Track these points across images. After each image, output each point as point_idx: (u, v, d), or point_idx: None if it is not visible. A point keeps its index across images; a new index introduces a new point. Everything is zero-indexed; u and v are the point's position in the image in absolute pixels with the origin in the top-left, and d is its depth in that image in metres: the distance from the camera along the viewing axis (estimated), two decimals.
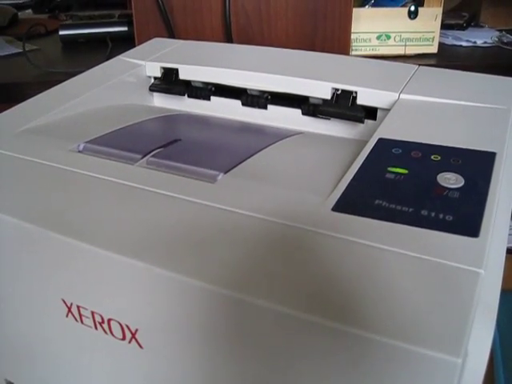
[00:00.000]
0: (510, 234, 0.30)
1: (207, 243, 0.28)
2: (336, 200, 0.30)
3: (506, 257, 0.27)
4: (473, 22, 1.07)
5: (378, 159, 0.34)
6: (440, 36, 0.86)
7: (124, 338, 0.30)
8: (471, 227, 0.27)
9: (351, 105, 0.45)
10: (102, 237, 0.29)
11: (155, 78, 0.55)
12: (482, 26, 1.08)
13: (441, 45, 0.88)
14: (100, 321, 0.30)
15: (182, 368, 0.29)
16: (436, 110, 0.41)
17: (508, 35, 0.97)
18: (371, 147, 0.35)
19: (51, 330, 0.33)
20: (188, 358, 0.28)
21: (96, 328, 0.31)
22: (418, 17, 0.84)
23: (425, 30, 0.85)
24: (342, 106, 0.45)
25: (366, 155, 0.34)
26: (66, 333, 0.32)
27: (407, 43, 0.85)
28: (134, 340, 0.29)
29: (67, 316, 0.31)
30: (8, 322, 0.36)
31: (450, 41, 0.95)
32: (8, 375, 0.40)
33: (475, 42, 0.94)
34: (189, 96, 0.54)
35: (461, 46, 0.93)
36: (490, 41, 0.94)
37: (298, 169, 0.36)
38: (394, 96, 0.43)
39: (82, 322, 0.31)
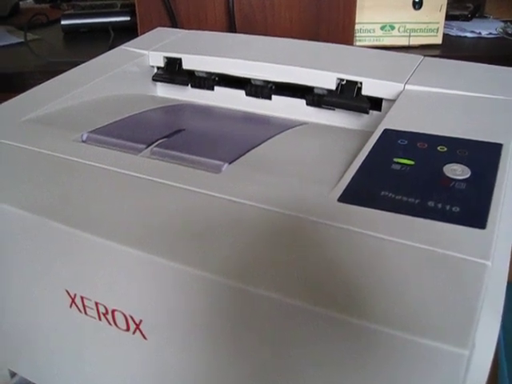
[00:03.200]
0: None
1: (211, 234, 0.27)
2: (342, 191, 0.30)
3: None
4: (477, 12, 1.07)
5: (383, 150, 0.34)
6: (444, 27, 0.86)
7: (128, 329, 0.30)
8: (478, 218, 0.27)
9: (356, 95, 0.45)
10: (105, 227, 0.28)
11: (158, 68, 0.55)
12: (486, 17, 1.08)
13: (445, 36, 0.87)
14: (104, 312, 0.30)
15: (185, 358, 0.28)
16: (442, 100, 0.40)
17: None
18: (377, 138, 0.35)
19: (55, 320, 0.33)
20: (191, 348, 0.28)
21: (100, 319, 0.30)
22: (423, 7, 0.83)
23: (429, 21, 0.84)
24: (347, 96, 0.45)
25: (371, 146, 0.34)
26: (69, 324, 0.32)
27: (411, 34, 0.85)
28: (138, 331, 0.29)
29: (71, 307, 0.31)
30: (12, 312, 0.36)
31: (454, 32, 0.95)
32: (11, 365, 0.40)
33: (480, 33, 0.93)
34: (192, 86, 0.53)
35: (465, 36, 0.93)
36: (494, 32, 0.94)
37: (303, 159, 0.36)
38: (399, 87, 0.43)
39: (85, 312, 0.31)
